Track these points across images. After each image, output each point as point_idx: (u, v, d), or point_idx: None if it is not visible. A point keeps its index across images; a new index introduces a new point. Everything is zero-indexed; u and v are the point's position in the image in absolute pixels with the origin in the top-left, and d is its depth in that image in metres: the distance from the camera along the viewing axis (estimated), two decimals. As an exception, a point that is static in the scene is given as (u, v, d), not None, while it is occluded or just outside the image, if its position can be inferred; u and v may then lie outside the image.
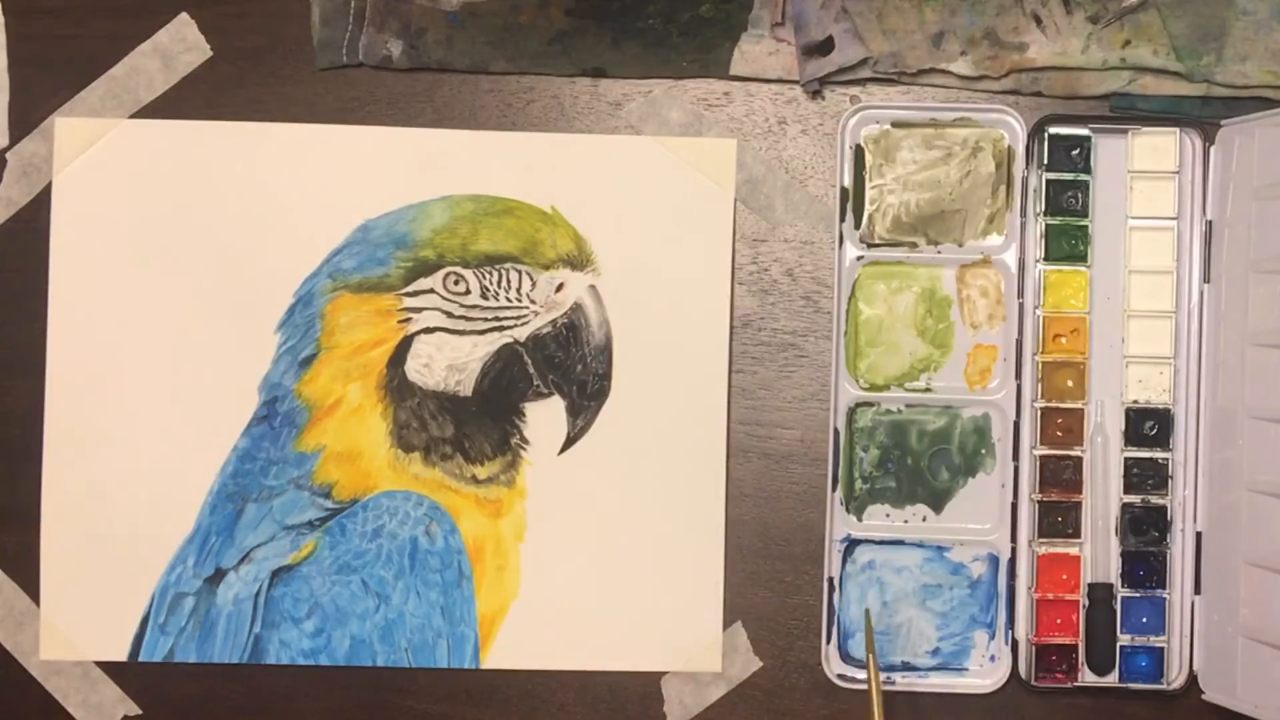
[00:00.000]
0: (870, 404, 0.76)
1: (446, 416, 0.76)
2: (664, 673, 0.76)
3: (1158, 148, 0.75)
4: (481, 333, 0.76)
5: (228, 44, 0.77)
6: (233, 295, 0.76)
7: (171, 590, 0.76)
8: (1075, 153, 0.75)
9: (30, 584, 0.76)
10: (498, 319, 0.76)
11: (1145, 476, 0.75)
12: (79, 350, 0.76)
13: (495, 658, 0.76)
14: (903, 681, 0.76)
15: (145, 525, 0.76)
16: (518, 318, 0.76)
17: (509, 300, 0.76)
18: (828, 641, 0.75)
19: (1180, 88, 0.75)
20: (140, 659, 0.76)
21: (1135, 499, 0.75)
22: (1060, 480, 0.75)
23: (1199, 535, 0.75)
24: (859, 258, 0.76)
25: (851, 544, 0.76)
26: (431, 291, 0.76)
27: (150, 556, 0.76)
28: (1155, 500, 0.75)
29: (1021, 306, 0.75)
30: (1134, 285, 0.76)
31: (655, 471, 0.76)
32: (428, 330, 0.76)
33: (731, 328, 0.77)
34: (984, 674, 0.76)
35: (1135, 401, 0.75)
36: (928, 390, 0.76)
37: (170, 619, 0.76)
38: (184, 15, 0.77)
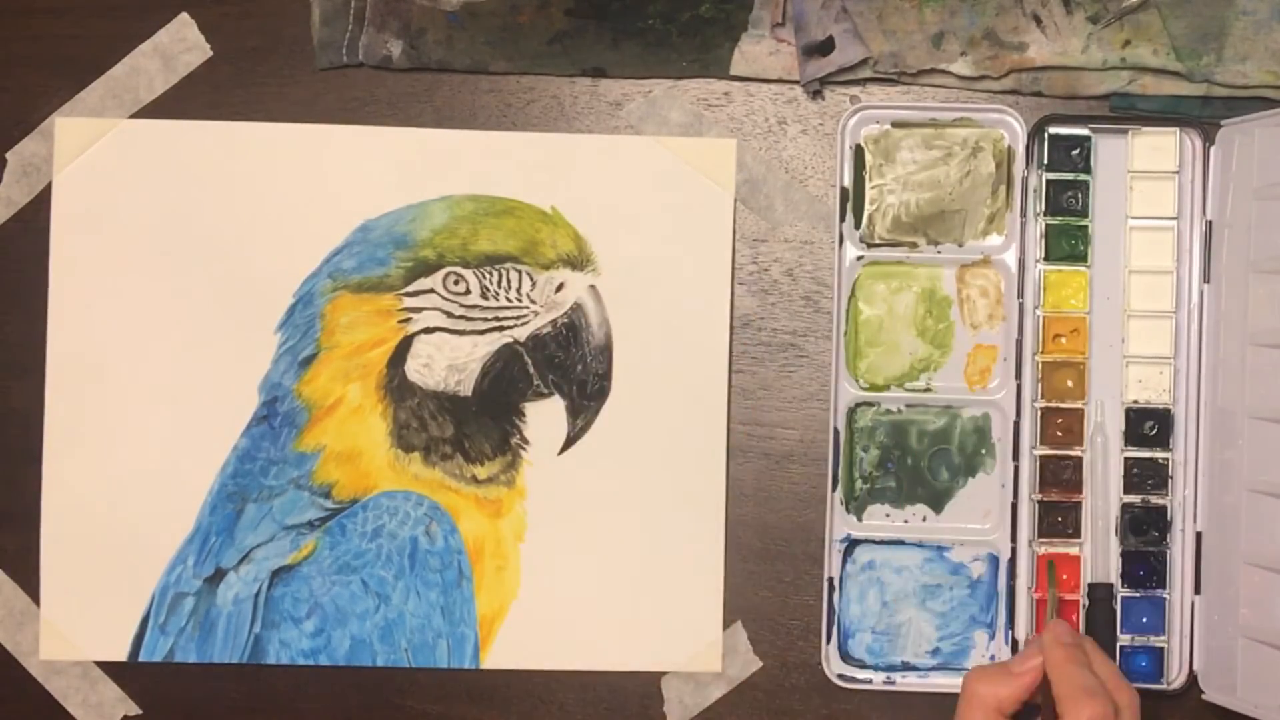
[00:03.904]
0: (870, 404, 0.76)
1: (446, 416, 0.76)
2: (664, 673, 0.76)
3: (1158, 148, 0.75)
4: (481, 333, 0.76)
5: (228, 44, 0.77)
6: (233, 295, 0.76)
7: (171, 590, 0.76)
8: (1075, 153, 0.75)
9: (30, 584, 0.76)
10: (498, 319, 0.76)
11: (1145, 476, 0.75)
12: (79, 350, 0.76)
13: (495, 658, 0.76)
14: (903, 682, 0.76)
15: (145, 525, 0.76)
16: (518, 318, 0.76)
17: (509, 300, 0.76)
18: (828, 641, 0.75)
19: (1180, 88, 0.75)
20: (140, 659, 0.76)
21: (1135, 499, 0.75)
22: (1060, 480, 0.75)
23: (1199, 535, 0.75)
24: (859, 258, 0.76)
25: (851, 544, 0.76)
26: (431, 291, 0.76)
27: (150, 556, 0.76)
28: (1155, 500, 0.75)
29: (1021, 306, 0.75)
30: (1134, 285, 0.76)
31: (655, 471, 0.76)
32: (428, 330, 0.76)
33: (731, 328, 0.77)
34: (984, 674, 0.76)
35: (1135, 401, 0.75)
36: (928, 390, 0.76)
37: (170, 619, 0.76)
38: (184, 15, 0.77)
